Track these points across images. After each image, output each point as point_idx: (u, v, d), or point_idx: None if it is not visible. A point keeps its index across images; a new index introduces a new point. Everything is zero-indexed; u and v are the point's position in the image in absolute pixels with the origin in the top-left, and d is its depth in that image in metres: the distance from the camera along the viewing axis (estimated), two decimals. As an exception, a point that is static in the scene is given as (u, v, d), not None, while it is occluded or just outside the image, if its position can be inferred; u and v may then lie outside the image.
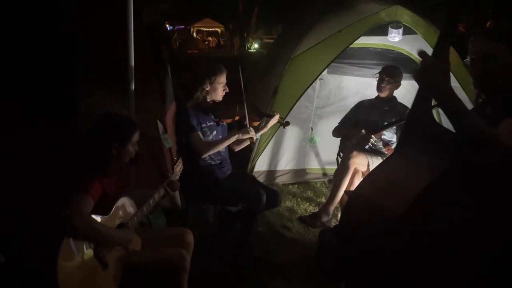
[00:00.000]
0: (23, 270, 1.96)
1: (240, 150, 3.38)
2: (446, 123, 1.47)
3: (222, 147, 3.11)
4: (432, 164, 1.41)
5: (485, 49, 1.52)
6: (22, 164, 2.57)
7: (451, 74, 4.24)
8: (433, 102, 1.49)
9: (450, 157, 1.40)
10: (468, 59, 1.58)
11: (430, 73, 1.35)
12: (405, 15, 4.15)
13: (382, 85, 3.81)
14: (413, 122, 1.54)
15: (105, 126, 2.08)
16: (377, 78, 3.86)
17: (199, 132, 3.03)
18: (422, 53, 1.40)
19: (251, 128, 3.10)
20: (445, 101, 1.36)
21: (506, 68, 1.50)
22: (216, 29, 31.46)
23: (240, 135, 3.09)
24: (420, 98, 1.49)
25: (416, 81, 1.40)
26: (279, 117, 3.33)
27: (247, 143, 3.29)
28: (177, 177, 2.44)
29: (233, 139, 3.10)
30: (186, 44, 22.55)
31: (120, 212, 2.07)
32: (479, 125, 1.33)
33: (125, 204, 2.12)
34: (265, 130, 3.39)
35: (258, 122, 3.32)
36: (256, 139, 3.20)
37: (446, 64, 1.38)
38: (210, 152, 3.04)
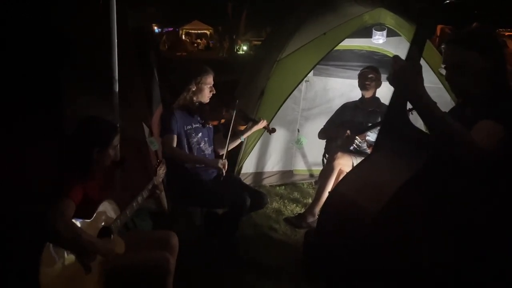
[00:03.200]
0: (5, 275, 1.94)
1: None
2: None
3: (187, 162, 3.10)
4: (407, 165, 1.45)
5: (457, 57, 1.55)
6: (5, 167, 2.56)
7: (434, 74, 4.26)
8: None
9: (424, 157, 1.43)
10: (442, 67, 1.61)
11: (402, 75, 1.38)
12: (389, 18, 4.21)
13: (367, 82, 3.87)
14: (389, 123, 1.57)
15: (85, 129, 2.08)
16: (359, 78, 3.92)
17: (175, 135, 3.03)
18: (395, 57, 1.43)
19: (225, 161, 3.11)
20: (418, 103, 1.39)
21: (477, 72, 1.52)
22: (205, 31, 31.39)
23: (212, 163, 3.12)
24: (395, 100, 1.52)
25: (390, 83, 1.42)
26: (266, 123, 3.35)
27: (232, 146, 3.30)
28: (161, 179, 2.44)
29: (202, 163, 3.13)
30: (175, 46, 22.45)
31: (103, 215, 2.07)
32: (452, 126, 1.36)
33: (108, 208, 2.11)
34: (249, 133, 3.40)
35: (244, 126, 3.33)
36: (241, 142, 3.20)
37: (418, 67, 1.41)
38: (174, 159, 3.00)
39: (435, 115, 1.37)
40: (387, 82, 1.44)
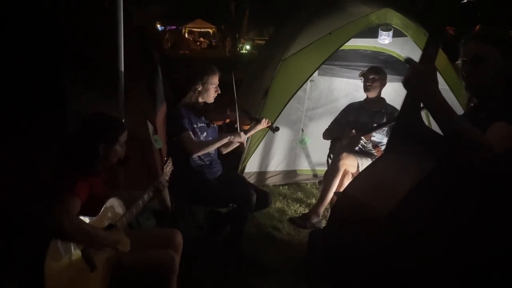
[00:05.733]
0: (10, 272, 1.94)
1: (231, 150, 3.38)
2: (435, 125, 1.48)
3: (213, 148, 3.11)
4: (420, 167, 1.42)
5: (476, 51, 1.53)
6: (10, 165, 2.55)
7: (440, 76, 4.26)
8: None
9: (437, 159, 1.41)
10: (459, 61, 1.59)
11: (417, 78, 1.36)
12: (395, 18, 4.19)
13: (368, 83, 3.86)
14: (402, 124, 1.54)
15: (91, 126, 2.06)
16: (362, 80, 3.91)
17: (190, 132, 3.02)
18: (408, 60, 1.41)
19: (242, 133, 3.11)
20: (433, 106, 1.37)
21: (496, 70, 1.51)
22: (207, 30, 31.40)
23: (232, 137, 3.09)
24: (409, 100, 1.50)
25: (404, 86, 1.40)
26: (269, 122, 3.34)
27: (235, 145, 3.29)
28: (167, 178, 2.43)
29: (225, 141, 3.10)
30: (177, 44, 22.48)
31: (109, 213, 2.06)
32: (467, 129, 1.34)
33: (114, 205, 2.11)
34: (252, 133, 3.37)
35: (249, 126, 3.32)
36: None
37: (433, 69, 1.39)
38: (201, 152, 3.04)
39: (448, 116, 1.36)
40: (392, 83, 1.42)
